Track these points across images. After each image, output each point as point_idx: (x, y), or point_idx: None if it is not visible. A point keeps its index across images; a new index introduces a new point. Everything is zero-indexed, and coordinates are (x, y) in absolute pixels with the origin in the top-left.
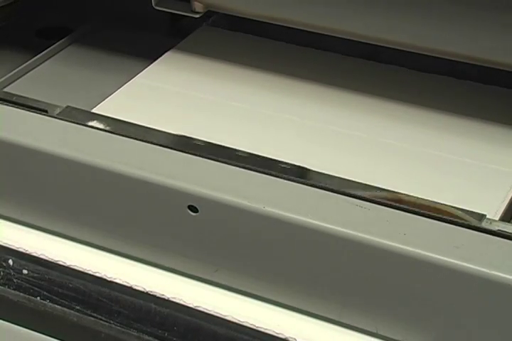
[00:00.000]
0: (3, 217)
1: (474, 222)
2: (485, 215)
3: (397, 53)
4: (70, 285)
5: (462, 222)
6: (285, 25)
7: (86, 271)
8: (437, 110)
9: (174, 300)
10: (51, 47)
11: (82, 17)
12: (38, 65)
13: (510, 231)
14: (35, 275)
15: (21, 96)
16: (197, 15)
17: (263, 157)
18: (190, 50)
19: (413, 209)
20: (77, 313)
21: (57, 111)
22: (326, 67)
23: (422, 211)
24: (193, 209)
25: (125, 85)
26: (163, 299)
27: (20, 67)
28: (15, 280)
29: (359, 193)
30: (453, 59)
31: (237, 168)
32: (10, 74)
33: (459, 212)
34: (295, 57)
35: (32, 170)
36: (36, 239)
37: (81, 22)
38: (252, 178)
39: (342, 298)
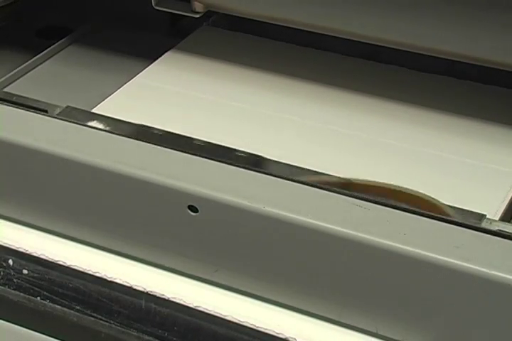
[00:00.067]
0: (3, 217)
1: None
2: (485, 215)
3: (397, 53)
4: (70, 285)
5: (461, 221)
6: (285, 25)
7: (86, 271)
8: (437, 110)
9: (174, 300)
10: (51, 47)
11: (82, 17)
12: (38, 65)
13: (510, 231)
14: (35, 275)
15: (21, 96)
16: (197, 15)
17: (216, 145)
18: (190, 50)
19: (413, 209)
20: (77, 313)
21: (57, 111)
22: (326, 67)
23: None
24: (193, 209)
25: (125, 85)
26: (163, 299)
27: (20, 67)
28: (15, 280)
29: (309, 179)
30: (453, 59)
31: (237, 168)
32: (10, 74)
33: (417, 193)
34: (295, 57)
35: (32, 170)
36: (36, 239)
37: (81, 22)
38: (252, 178)
39: (342, 298)
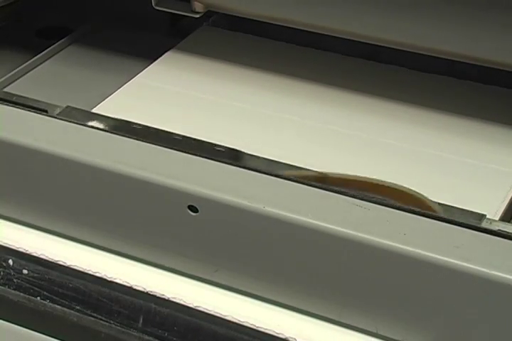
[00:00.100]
0: (3, 217)
1: (472, 221)
2: (485, 215)
3: (397, 53)
4: (70, 285)
5: (461, 221)
6: (285, 25)
7: (86, 271)
8: (437, 110)
9: (174, 300)
10: (51, 47)
11: (82, 17)
12: (38, 65)
13: (510, 231)
14: (35, 275)
15: (21, 96)
16: (197, 15)
17: (195, 139)
18: (190, 50)
19: (413, 209)
20: (77, 313)
21: (57, 111)
22: (326, 67)
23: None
24: (193, 209)
25: (125, 85)
26: (163, 299)
27: (20, 67)
28: (15, 280)
29: (286, 174)
30: (453, 59)
31: (237, 168)
32: (10, 74)
33: (400, 187)
34: (295, 57)
35: (32, 170)
36: (36, 239)
37: (81, 22)
38: (252, 178)
39: (342, 298)
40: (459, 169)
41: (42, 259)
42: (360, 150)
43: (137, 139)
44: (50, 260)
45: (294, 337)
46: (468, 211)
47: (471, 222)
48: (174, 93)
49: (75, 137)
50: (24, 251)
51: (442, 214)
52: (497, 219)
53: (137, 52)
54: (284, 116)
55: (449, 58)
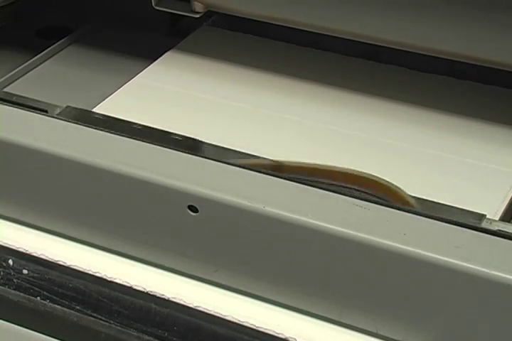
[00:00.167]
0: (3, 217)
1: (470, 221)
2: (485, 215)
3: (397, 53)
4: (70, 285)
5: (461, 221)
6: (285, 25)
7: (86, 271)
8: (437, 110)
9: (174, 300)
10: (51, 47)
11: (82, 17)
12: (38, 65)
13: (510, 231)
14: (35, 275)
15: (21, 96)
16: (197, 15)
17: (153, 128)
18: (190, 50)
19: (412, 209)
20: (77, 313)
21: (58, 111)
22: (326, 67)
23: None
24: (193, 209)
25: (125, 85)
26: (163, 299)
27: (20, 67)
28: (15, 280)
29: (241, 162)
30: (453, 59)
31: (237, 168)
32: (10, 74)
33: (360, 173)
34: (295, 57)
35: (32, 170)
36: (36, 239)
37: (81, 22)
38: (252, 178)
39: (342, 298)
40: (459, 169)
41: (42, 259)
42: (360, 150)
43: (137, 139)
44: (50, 260)
45: (294, 337)
46: (468, 211)
47: (471, 222)
48: (174, 93)
49: (75, 137)
50: (24, 251)
51: (418, 208)
52: (497, 219)
53: (137, 52)
54: (284, 116)
55: (449, 58)
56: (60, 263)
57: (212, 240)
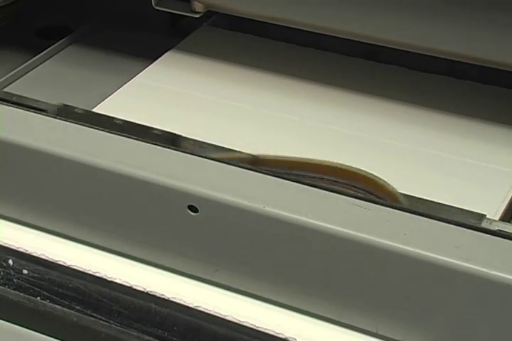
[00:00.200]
0: (3, 217)
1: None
2: (485, 215)
3: (397, 53)
4: (70, 285)
5: (461, 221)
6: (285, 25)
7: (86, 271)
8: (437, 110)
9: (174, 300)
10: (51, 47)
11: (82, 17)
12: (38, 65)
13: (510, 231)
14: (35, 275)
15: (21, 96)
16: (197, 15)
17: (135, 124)
18: (190, 50)
19: (412, 209)
20: (77, 313)
21: (58, 111)
22: (326, 67)
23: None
24: (193, 209)
25: (125, 85)
26: (163, 299)
27: (20, 67)
28: (15, 280)
29: (219, 156)
30: (453, 59)
31: (237, 168)
32: (10, 74)
33: (338, 164)
34: (295, 57)
35: (32, 170)
36: (36, 239)
37: (81, 22)
38: (252, 178)
39: (342, 298)
40: (459, 169)
41: (42, 259)
42: (360, 150)
43: (137, 139)
44: (50, 260)
45: (294, 337)
46: (468, 211)
47: (471, 222)
48: (174, 93)
49: (75, 137)
50: (24, 251)
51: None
52: (497, 219)
53: (137, 52)
54: (284, 116)
55: (449, 58)
56: (60, 263)
57: (212, 240)
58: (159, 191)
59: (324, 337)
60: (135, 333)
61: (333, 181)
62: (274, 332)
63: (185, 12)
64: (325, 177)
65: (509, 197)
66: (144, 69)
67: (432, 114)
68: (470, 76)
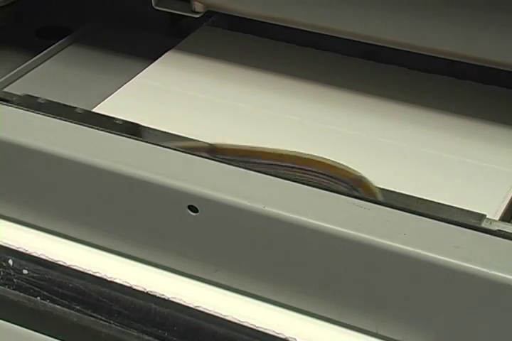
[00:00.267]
0: (3, 217)
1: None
2: (485, 215)
3: (397, 53)
4: (70, 285)
5: (461, 221)
6: (285, 25)
7: (86, 271)
8: (437, 110)
9: (174, 300)
10: (51, 47)
11: (82, 17)
12: (38, 65)
13: (510, 231)
14: (35, 275)
15: (21, 96)
16: (197, 15)
17: (94, 113)
18: (190, 50)
19: (412, 209)
20: (77, 313)
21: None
22: (326, 67)
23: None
24: (193, 209)
25: (125, 85)
26: (163, 299)
27: (20, 67)
28: (15, 280)
29: (176, 145)
30: (453, 59)
31: (238, 168)
32: (10, 74)
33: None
34: (295, 57)
35: (32, 170)
36: (36, 239)
37: (81, 22)
38: (252, 178)
39: (342, 298)
40: (459, 169)
41: (42, 259)
42: (360, 150)
43: (137, 139)
44: (50, 260)
45: (294, 337)
46: (468, 211)
47: (471, 222)
48: (174, 93)
49: (75, 137)
50: (24, 251)
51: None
52: (497, 219)
53: (137, 52)
54: (284, 116)
55: (449, 58)
56: (60, 263)
57: (212, 240)
58: (159, 191)
59: (324, 337)
60: (135, 333)
61: (290, 167)
62: (274, 332)
63: (185, 12)
64: (283, 163)
65: (509, 197)
66: (144, 69)
67: (432, 114)
68: (470, 76)
